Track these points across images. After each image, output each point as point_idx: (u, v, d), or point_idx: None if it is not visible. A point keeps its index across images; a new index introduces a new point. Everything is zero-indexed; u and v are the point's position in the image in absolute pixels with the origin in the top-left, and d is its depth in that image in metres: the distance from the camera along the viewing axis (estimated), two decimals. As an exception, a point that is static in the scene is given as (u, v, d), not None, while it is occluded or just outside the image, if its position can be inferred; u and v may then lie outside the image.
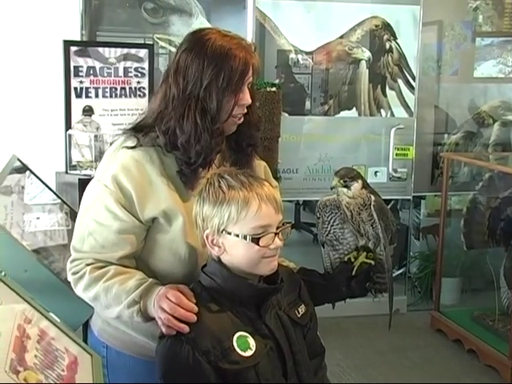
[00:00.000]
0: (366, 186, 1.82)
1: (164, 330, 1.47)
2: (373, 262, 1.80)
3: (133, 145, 1.63)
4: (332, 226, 1.87)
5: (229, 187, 1.49)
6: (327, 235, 1.88)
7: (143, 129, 1.66)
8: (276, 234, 1.51)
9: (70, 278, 1.63)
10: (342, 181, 1.78)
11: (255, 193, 1.49)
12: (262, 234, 1.48)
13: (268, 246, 1.49)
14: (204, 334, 1.45)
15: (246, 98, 1.63)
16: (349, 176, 1.79)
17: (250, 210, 1.47)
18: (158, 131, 1.62)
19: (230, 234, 1.49)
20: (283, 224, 1.54)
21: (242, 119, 1.67)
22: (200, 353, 1.43)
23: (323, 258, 1.91)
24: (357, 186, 1.79)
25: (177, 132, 1.60)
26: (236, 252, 1.50)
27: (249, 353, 1.46)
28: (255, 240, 1.48)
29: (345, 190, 1.78)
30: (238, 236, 1.48)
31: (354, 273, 1.79)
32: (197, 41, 1.62)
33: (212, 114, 1.59)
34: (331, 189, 1.80)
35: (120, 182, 1.58)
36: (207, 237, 1.52)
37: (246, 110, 1.65)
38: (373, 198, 1.79)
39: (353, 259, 1.82)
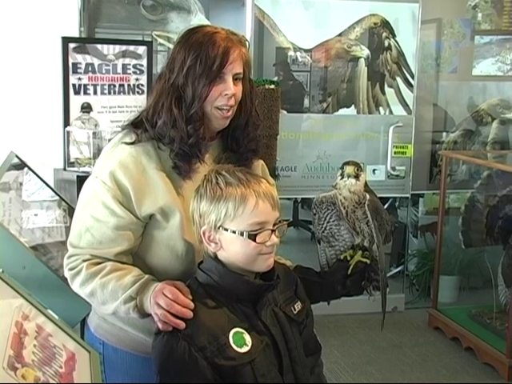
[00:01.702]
0: (365, 182, 1.82)
1: (160, 325, 1.47)
2: (368, 261, 1.80)
3: (131, 141, 1.63)
4: (328, 222, 1.87)
5: (226, 184, 1.50)
6: (323, 232, 1.88)
7: (141, 124, 1.66)
8: (273, 230, 1.51)
9: (67, 274, 1.63)
10: (356, 169, 1.78)
11: (252, 189, 1.49)
12: (258, 230, 1.48)
13: (265, 242, 1.49)
14: (200, 330, 1.45)
15: (228, 88, 1.61)
16: (359, 166, 1.80)
17: (247, 207, 1.47)
18: (146, 123, 1.63)
19: (226, 230, 1.49)
20: (280, 221, 1.54)
21: (230, 112, 1.65)
22: (196, 349, 1.43)
23: (319, 255, 1.91)
24: (363, 177, 1.79)
25: (157, 121, 1.62)
26: (233, 248, 1.50)
27: (245, 349, 1.47)
28: (252, 236, 1.48)
29: (353, 181, 1.77)
30: (234, 232, 1.48)
31: (349, 271, 1.79)
32: (187, 33, 1.64)
33: (187, 101, 1.60)
34: (348, 177, 1.79)
35: (118, 179, 1.58)
36: (204, 233, 1.52)
37: (232, 103, 1.64)
38: (368, 196, 1.78)
39: (349, 258, 1.82)
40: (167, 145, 1.62)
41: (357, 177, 1.78)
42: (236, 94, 1.63)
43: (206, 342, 1.44)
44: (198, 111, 1.61)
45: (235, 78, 1.63)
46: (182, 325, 1.45)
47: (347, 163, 1.80)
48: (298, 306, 1.64)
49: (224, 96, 1.61)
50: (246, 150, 1.73)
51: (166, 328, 1.46)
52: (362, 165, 1.84)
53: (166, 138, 1.61)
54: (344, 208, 1.80)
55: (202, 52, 1.58)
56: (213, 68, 1.58)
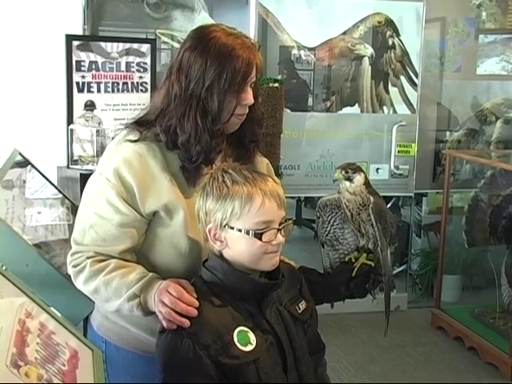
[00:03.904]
0: (367, 183, 1.80)
1: (165, 323, 1.47)
2: (373, 264, 1.79)
3: (135, 138, 1.62)
4: (332, 225, 1.86)
5: (233, 182, 1.49)
6: (327, 235, 1.88)
7: (145, 124, 1.66)
8: (279, 229, 1.50)
9: (71, 271, 1.62)
10: (343, 172, 1.77)
11: (259, 188, 1.49)
12: (264, 229, 1.48)
13: (270, 241, 1.49)
14: (205, 328, 1.45)
15: (249, 97, 1.62)
16: (351, 168, 1.78)
17: (253, 205, 1.47)
18: (158, 129, 1.62)
19: (232, 228, 1.48)
20: (286, 220, 1.54)
21: (244, 118, 1.66)
22: (200, 347, 1.43)
23: (322, 258, 1.90)
24: (359, 178, 1.77)
25: (177, 131, 1.60)
26: (238, 247, 1.50)
27: (249, 348, 1.46)
28: (258, 235, 1.47)
29: (347, 183, 1.76)
30: (240, 231, 1.48)
31: (354, 274, 1.78)
32: (200, 39, 1.60)
33: (213, 114, 1.58)
34: (334, 181, 1.79)
35: (122, 176, 1.57)
36: (210, 231, 1.51)
37: (248, 110, 1.65)
38: (372, 199, 1.77)
39: (353, 260, 1.82)
40: (184, 154, 1.60)
41: (349, 179, 1.77)
42: (252, 101, 1.64)
43: (211, 341, 1.43)
44: (221, 126, 1.60)
45: (250, 86, 1.63)
46: (187, 323, 1.44)
47: (338, 167, 1.80)
48: (302, 305, 1.64)
49: (243, 105, 1.62)
50: (249, 142, 1.73)
51: (170, 326, 1.46)
52: (359, 164, 1.82)
53: (190, 152, 1.59)
54: (349, 211, 1.79)
55: (227, 66, 1.56)
56: (237, 81, 1.57)
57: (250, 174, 1.52)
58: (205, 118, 1.58)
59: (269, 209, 1.48)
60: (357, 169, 1.78)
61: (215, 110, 1.58)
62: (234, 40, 1.59)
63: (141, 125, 1.66)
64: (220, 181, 1.50)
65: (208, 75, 1.57)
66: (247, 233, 1.48)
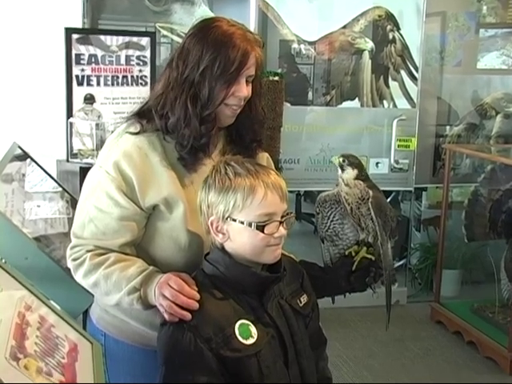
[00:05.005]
0: (364, 178, 1.80)
1: (166, 316, 1.46)
2: (373, 258, 1.80)
3: (136, 131, 1.62)
4: (332, 221, 1.86)
5: (235, 174, 1.49)
6: (327, 231, 1.88)
7: (146, 114, 1.65)
8: (281, 222, 1.50)
9: (70, 265, 1.62)
10: (341, 159, 1.78)
11: (261, 180, 1.48)
12: (266, 221, 1.48)
13: (272, 234, 1.48)
14: (206, 321, 1.45)
15: (243, 90, 1.61)
16: (349, 159, 1.79)
17: (255, 198, 1.47)
18: (154, 113, 1.62)
19: (234, 221, 1.48)
20: (288, 213, 1.53)
21: (239, 110, 1.65)
22: (202, 340, 1.42)
23: (323, 254, 1.91)
24: (350, 172, 1.78)
25: (169, 114, 1.60)
26: (240, 239, 1.50)
27: (250, 341, 1.46)
28: (260, 228, 1.47)
29: (340, 172, 1.78)
30: (242, 223, 1.48)
31: (354, 268, 1.78)
32: (203, 27, 1.62)
33: (203, 100, 1.59)
34: (330, 162, 1.80)
35: (122, 169, 1.57)
36: (212, 223, 1.51)
37: (242, 103, 1.64)
38: (371, 193, 1.77)
39: (353, 254, 1.82)
40: (176, 139, 1.61)
41: (341, 168, 1.78)
42: (247, 95, 1.63)
43: (212, 334, 1.43)
44: (212, 112, 1.60)
45: (247, 80, 1.62)
46: (188, 316, 1.44)
47: (341, 155, 1.81)
48: (303, 298, 1.63)
49: (236, 96, 1.61)
50: (251, 141, 1.73)
51: (172, 319, 1.46)
52: (357, 157, 1.83)
53: (179, 135, 1.60)
54: (348, 204, 1.79)
55: (222, 53, 1.56)
56: (230, 71, 1.57)
57: (253, 166, 1.52)
58: (195, 103, 1.58)
59: (271, 201, 1.48)
60: (353, 163, 1.79)
61: (205, 97, 1.58)
62: (235, 30, 1.60)
63: (142, 116, 1.66)
64: (222, 173, 1.50)
65: (203, 61, 1.57)
66: (249, 225, 1.47)
